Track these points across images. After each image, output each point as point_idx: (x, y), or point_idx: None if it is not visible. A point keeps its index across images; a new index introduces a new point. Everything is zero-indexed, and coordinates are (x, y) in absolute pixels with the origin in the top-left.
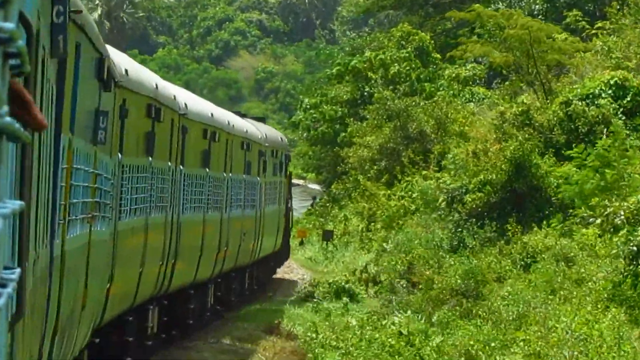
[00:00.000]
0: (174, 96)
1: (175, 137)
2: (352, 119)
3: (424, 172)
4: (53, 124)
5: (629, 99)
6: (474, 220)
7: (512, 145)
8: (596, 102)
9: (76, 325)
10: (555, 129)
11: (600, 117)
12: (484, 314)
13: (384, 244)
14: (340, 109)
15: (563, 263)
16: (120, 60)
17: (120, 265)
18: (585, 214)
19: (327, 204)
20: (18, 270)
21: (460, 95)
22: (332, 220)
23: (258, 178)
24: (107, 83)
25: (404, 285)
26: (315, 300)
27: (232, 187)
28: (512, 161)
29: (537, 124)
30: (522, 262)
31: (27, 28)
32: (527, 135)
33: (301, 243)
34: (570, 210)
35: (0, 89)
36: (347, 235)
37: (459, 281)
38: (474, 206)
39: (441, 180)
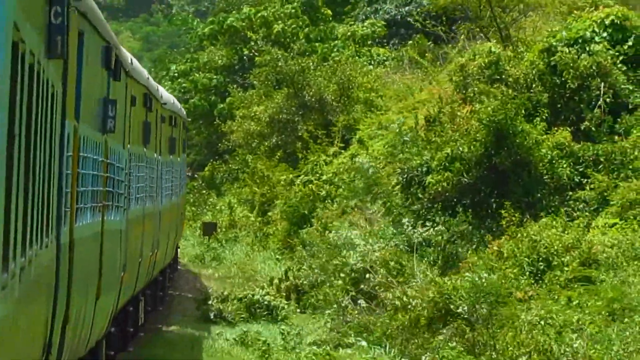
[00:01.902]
0: (157, 87)
1: (159, 127)
2: (234, 87)
3: (331, 149)
4: (57, 117)
5: (630, 43)
6: (441, 208)
7: (490, 105)
8: (588, 49)
9: (90, 315)
10: (534, 85)
11: (594, 67)
12: (513, 350)
13: (304, 245)
14: (215, 77)
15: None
16: (123, 49)
17: (129, 254)
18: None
19: (203, 190)
20: None
21: (360, 56)
22: (210, 210)
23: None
24: (115, 72)
25: (357, 302)
26: (229, 321)
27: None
28: (490, 128)
29: (510, 80)
30: (532, 268)
31: None
32: (508, 92)
33: None
34: (570, 194)
35: None
36: (235, 228)
37: (466, 301)
38: (439, 189)
39: (357, 159)
